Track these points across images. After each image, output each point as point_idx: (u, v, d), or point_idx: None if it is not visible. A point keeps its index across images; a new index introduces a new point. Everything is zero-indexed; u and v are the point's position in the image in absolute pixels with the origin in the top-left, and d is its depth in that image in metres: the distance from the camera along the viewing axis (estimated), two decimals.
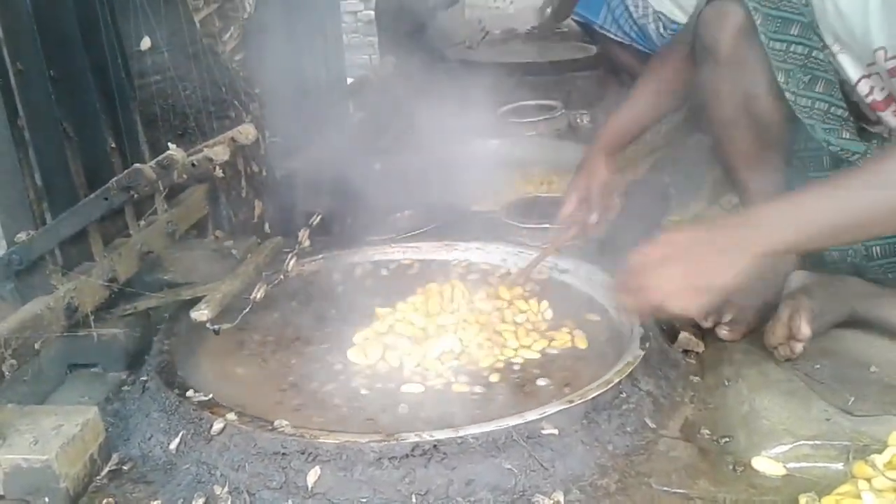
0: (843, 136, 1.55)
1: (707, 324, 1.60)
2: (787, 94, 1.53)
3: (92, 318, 1.52)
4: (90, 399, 1.54)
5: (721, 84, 1.60)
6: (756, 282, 1.61)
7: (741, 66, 1.57)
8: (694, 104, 1.77)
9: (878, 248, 1.56)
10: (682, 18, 2.78)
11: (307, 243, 1.71)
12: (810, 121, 1.54)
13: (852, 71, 1.52)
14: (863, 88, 1.53)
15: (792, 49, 1.52)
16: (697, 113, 1.75)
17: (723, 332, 1.59)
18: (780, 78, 1.53)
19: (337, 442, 1.26)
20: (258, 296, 1.52)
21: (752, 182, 1.66)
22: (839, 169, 1.58)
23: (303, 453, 1.26)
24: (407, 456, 1.24)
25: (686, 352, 1.59)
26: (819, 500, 1.15)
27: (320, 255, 1.93)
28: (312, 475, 1.24)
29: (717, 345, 1.59)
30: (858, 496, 1.13)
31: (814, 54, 1.52)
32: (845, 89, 1.55)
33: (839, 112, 1.55)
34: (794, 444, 1.30)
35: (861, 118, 1.59)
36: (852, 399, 1.36)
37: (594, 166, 1.79)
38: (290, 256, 1.64)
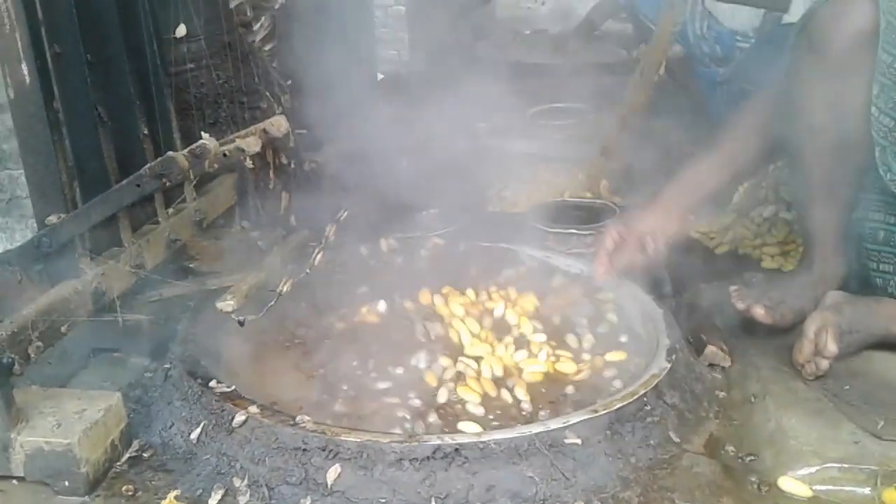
0: None
1: (742, 305, 1.59)
2: (873, 109, 1.49)
3: (118, 303, 1.52)
4: (112, 384, 1.54)
5: (820, 87, 1.55)
6: (799, 284, 1.60)
7: (846, 70, 1.51)
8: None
9: None
10: (730, 24, 2.76)
11: (333, 238, 1.70)
12: (884, 142, 1.50)
13: None
14: None
15: None
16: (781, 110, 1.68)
17: (758, 310, 1.58)
18: (875, 90, 1.48)
19: (358, 440, 1.25)
20: (284, 289, 1.51)
21: (821, 196, 1.63)
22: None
23: (323, 450, 1.26)
24: (428, 458, 1.23)
25: (712, 366, 1.57)
26: None
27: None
28: (332, 473, 1.24)
29: (744, 360, 1.57)
30: None
31: None
32: None
33: None
34: (822, 465, 1.28)
35: None
36: (882, 423, 1.34)
37: (643, 219, 1.74)
38: (316, 251, 1.63)
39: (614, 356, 1.56)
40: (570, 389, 1.49)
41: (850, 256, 1.68)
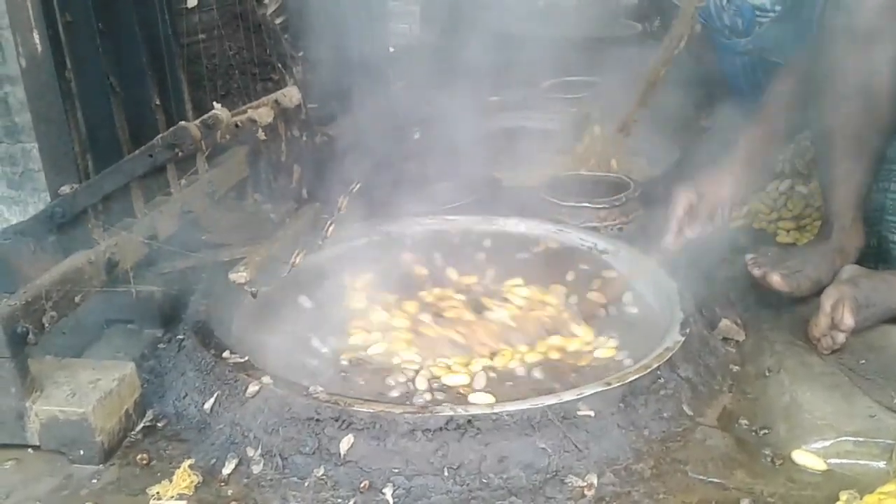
0: None
1: (758, 272, 1.59)
2: None
3: (131, 274, 1.52)
4: (126, 355, 1.54)
5: (848, 56, 1.54)
6: (816, 255, 1.59)
7: (875, 39, 1.50)
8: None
9: None
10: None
11: (345, 211, 1.70)
12: None
13: None
14: None
15: None
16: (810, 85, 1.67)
17: (775, 277, 1.57)
18: None
19: (371, 411, 1.25)
20: (297, 261, 1.51)
21: (844, 167, 1.62)
22: None
23: (336, 420, 1.26)
24: (441, 429, 1.23)
25: (726, 340, 1.56)
26: (861, 498, 1.12)
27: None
28: (345, 443, 1.24)
29: (758, 334, 1.56)
30: None
31: None
32: None
33: None
34: (837, 439, 1.27)
35: None
36: None
37: (717, 180, 1.73)
38: (328, 223, 1.63)
39: (604, 352, 1.54)
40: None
41: (869, 228, 1.66)
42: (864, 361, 1.43)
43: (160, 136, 1.39)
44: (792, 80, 1.74)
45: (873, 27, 1.49)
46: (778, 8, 2.38)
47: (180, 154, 1.40)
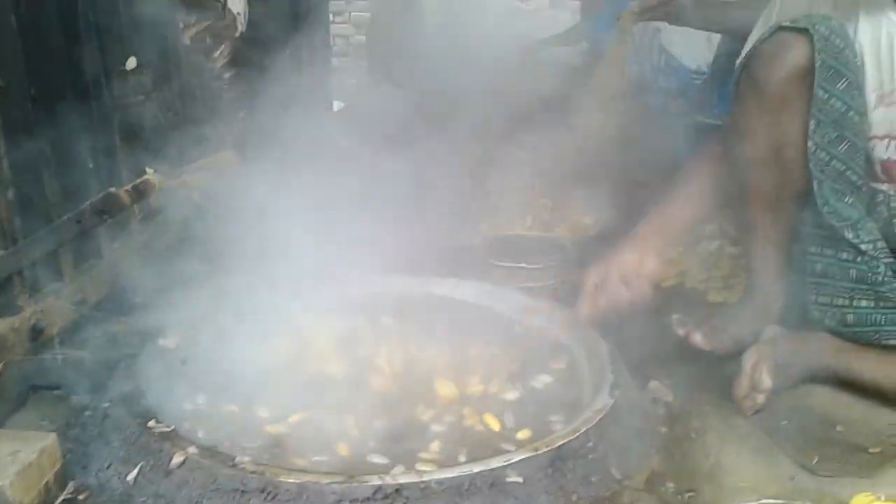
0: (846, 200, 1.54)
1: (682, 331, 1.63)
2: (810, 143, 1.53)
3: (58, 340, 1.50)
4: (51, 423, 1.51)
5: (760, 121, 1.59)
6: (740, 314, 1.63)
7: (785, 106, 1.55)
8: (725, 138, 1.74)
9: (851, 315, 1.57)
10: (685, 62, 2.81)
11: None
12: (821, 176, 1.54)
13: (878, 128, 1.54)
14: (881, 148, 1.55)
15: (831, 103, 1.51)
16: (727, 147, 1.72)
17: (697, 336, 1.62)
18: (812, 125, 1.53)
19: (298, 482, 1.24)
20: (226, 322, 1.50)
21: (763, 229, 1.67)
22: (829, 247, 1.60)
23: (262, 491, 1.24)
24: (368, 499, 1.23)
25: (655, 400, 1.59)
26: None
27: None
28: None
29: (686, 395, 1.59)
30: None
31: (850, 114, 1.52)
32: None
33: (853, 178, 1.54)
34: (758, 501, 1.29)
35: (870, 175, 1.60)
36: (817, 459, 1.37)
37: (621, 257, 1.74)
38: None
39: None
40: None
41: (790, 289, 1.71)
42: (785, 422, 1.47)
43: (89, 202, 1.39)
44: (717, 143, 1.80)
45: (782, 95, 1.54)
46: (705, 70, 2.48)
47: (108, 219, 1.39)
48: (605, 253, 1.78)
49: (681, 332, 1.66)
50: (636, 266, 1.71)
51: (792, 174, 1.60)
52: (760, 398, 1.46)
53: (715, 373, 1.64)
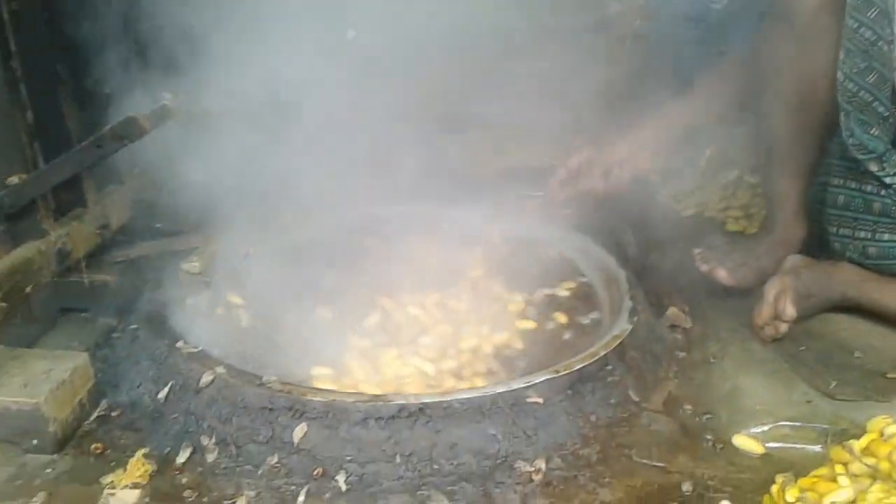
0: (872, 132, 1.52)
1: (705, 267, 1.63)
2: (839, 74, 1.51)
3: (84, 263, 1.52)
4: (80, 344, 1.54)
5: (789, 51, 1.57)
6: (760, 246, 1.63)
7: (815, 35, 1.53)
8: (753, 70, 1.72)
9: (873, 248, 1.56)
10: None
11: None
12: (848, 107, 1.52)
13: None
14: None
15: (861, 31, 1.47)
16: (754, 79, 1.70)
17: (721, 272, 1.62)
18: (840, 55, 1.50)
19: (324, 400, 1.27)
20: (251, 251, 1.52)
21: (786, 160, 1.66)
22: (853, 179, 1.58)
23: (290, 409, 1.27)
24: (393, 417, 1.26)
25: (673, 327, 1.61)
26: (796, 482, 1.17)
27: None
28: (299, 431, 1.25)
29: (704, 322, 1.61)
30: (835, 479, 1.15)
31: (879, 44, 1.48)
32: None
33: (880, 109, 1.51)
34: (775, 424, 1.32)
35: None
36: (834, 383, 1.38)
37: (616, 147, 1.74)
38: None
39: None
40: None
41: (811, 220, 1.71)
42: (803, 349, 1.48)
43: (109, 127, 1.38)
44: (729, 70, 1.77)
45: (812, 25, 1.52)
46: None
47: (128, 144, 1.39)
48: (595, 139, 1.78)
49: (704, 267, 1.66)
50: (620, 159, 1.71)
51: (818, 105, 1.58)
52: (783, 327, 1.48)
53: (733, 301, 1.65)
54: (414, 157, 2.09)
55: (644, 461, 1.28)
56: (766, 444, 1.30)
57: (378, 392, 1.33)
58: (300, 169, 1.76)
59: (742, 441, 1.30)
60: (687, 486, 1.22)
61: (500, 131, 2.46)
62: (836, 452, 1.22)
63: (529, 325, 1.58)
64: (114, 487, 1.22)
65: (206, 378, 1.34)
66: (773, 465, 1.26)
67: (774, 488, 1.18)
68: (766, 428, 1.32)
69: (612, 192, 1.73)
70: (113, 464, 1.27)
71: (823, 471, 1.19)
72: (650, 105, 1.94)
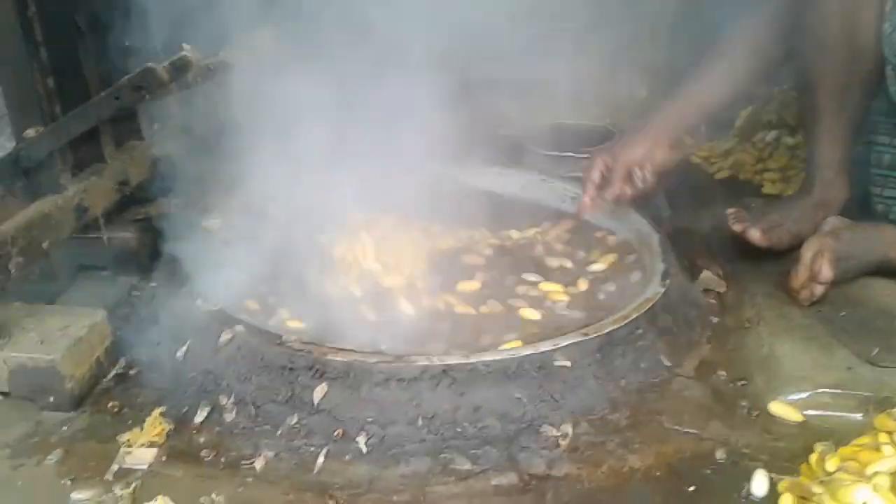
0: None
1: (738, 227, 1.57)
2: (886, 25, 1.44)
3: (103, 220, 1.49)
4: (100, 302, 1.52)
5: (833, 3, 1.50)
6: (798, 207, 1.57)
7: None
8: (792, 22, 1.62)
9: None
10: None
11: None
12: (895, 60, 1.45)
13: None
14: None
15: None
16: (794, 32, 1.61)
17: (755, 233, 1.55)
18: (888, 6, 1.43)
19: (345, 360, 1.24)
20: (272, 208, 1.48)
21: (828, 117, 1.58)
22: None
23: (310, 369, 1.24)
24: (415, 378, 1.22)
25: (707, 291, 1.55)
26: (836, 451, 1.12)
27: None
28: (319, 391, 1.22)
29: (739, 286, 1.55)
30: (878, 449, 1.10)
31: None
32: None
33: None
34: (814, 391, 1.26)
35: None
36: (877, 349, 1.32)
37: (629, 149, 1.66)
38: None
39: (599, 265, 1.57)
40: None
41: (852, 181, 1.64)
42: (843, 314, 1.42)
43: (126, 77, 1.34)
44: (754, 28, 1.68)
45: None
46: None
47: (147, 96, 1.35)
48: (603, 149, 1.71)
49: (737, 228, 1.60)
50: (642, 159, 1.63)
51: (863, 59, 1.51)
52: (819, 289, 1.41)
53: (769, 265, 1.59)
54: (449, 116, 2.05)
55: (676, 427, 1.23)
56: (805, 412, 1.25)
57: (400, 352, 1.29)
58: (327, 124, 1.72)
59: (779, 408, 1.25)
60: (720, 454, 1.17)
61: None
62: (881, 420, 1.16)
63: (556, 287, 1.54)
64: (130, 446, 1.19)
65: (225, 337, 1.31)
66: (811, 434, 1.21)
67: (813, 457, 1.13)
68: (804, 395, 1.26)
69: (642, 194, 1.66)
70: (130, 422, 1.25)
71: (866, 439, 1.14)
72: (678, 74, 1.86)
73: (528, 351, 1.26)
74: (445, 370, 1.22)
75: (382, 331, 1.38)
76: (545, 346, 1.27)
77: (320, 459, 1.18)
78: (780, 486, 1.08)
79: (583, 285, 1.54)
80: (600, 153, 1.69)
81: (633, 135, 1.69)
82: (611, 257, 1.62)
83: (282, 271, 1.49)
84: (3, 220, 1.31)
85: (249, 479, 1.16)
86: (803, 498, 1.05)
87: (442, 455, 1.18)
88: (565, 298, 1.50)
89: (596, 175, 1.66)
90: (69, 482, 1.14)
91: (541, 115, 2.30)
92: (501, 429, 1.21)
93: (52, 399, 1.26)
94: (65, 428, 1.24)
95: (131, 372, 1.36)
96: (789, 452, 1.18)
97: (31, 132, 1.37)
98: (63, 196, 1.39)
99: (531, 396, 1.23)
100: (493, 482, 1.15)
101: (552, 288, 1.53)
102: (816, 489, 1.03)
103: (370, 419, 1.21)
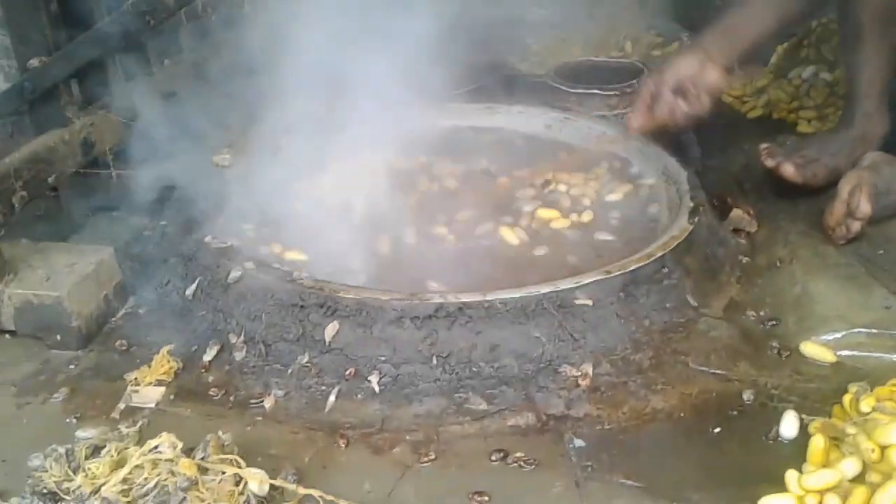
0: None
1: (771, 162, 1.50)
2: None
3: (110, 157, 1.45)
4: (111, 242, 1.48)
5: None
6: (836, 142, 1.49)
7: None
8: None
9: None
10: None
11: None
12: None
13: None
14: None
15: None
16: None
17: (788, 167, 1.48)
18: None
19: (357, 297, 1.19)
20: (283, 143, 1.43)
21: (870, 48, 1.49)
22: None
23: (321, 307, 1.20)
24: (430, 317, 1.17)
25: (737, 230, 1.48)
26: (871, 391, 1.06)
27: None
28: (330, 329, 1.18)
29: (772, 225, 1.48)
30: None
31: None
32: None
33: None
34: (848, 331, 1.20)
35: None
36: None
37: (681, 64, 1.57)
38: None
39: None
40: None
41: (894, 115, 1.54)
42: (881, 252, 1.35)
43: (131, 1, 1.29)
44: None
45: None
46: None
47: (152, 23, 1.30)
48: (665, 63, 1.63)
49: (769, 162, 1.52)
50: (695, 76, 1.54)
51: None
52: (856, 225, 1.34)
53: (804, 203, 1.51)
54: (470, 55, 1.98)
55: (701, 368, 1.18)
56: (838, 352, 1.19)
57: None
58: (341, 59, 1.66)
59: (811, 349, 1.19)
60: (748, 395, 1.12)
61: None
62: None
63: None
64: (137, 384, 1.17)
65: (235, 274, 1.27)
66: (845, 374, 1.15)
67: (846, 398, 1.07)
68: (838, 335, 1.20)
69: (693, 112, 1.57)
70: (138, 361, 1.22)
71: None
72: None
73: (546, 289, 1.21)
74: (461, 308, 1.18)
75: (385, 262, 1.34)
76: (565, 284, 1.22)
77: (331, 399, 1.15)
78: (811, 427, 1.03)
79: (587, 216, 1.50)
80: (651, 76, 1.61)
81: (683, 54, 1.60)
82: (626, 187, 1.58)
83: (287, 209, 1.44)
84: (7, 154, 1.28)
85: (259, 418, 1.13)
86: (835, 439, 1.00)
87: (457, 395, 1.15)
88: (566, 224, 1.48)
89: (646, 95, 1.58)
90: (75, 420, 1.12)
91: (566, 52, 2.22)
92: (519, 368, 1.16)
93: (58, 337, 1.23)
94: (72, 366, 1.22)
95: (140, 311, 1.33)
96: (821, 394, 1.12)
97: (34, 62, 1.32)
98: (69, 130, 1.36)
99: (550, 335, 1.18)
100: (510, 422, 1.11)
101: (551, 215, 1.49)
102: (850, 430, 0.98)
103: (383, 358, 1.17)
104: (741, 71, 1.83)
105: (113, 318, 1.31)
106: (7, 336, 1.27)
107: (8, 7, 1.34)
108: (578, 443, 1.07)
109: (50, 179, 1.30)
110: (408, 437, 1.09)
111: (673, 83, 1.54)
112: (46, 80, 1.30)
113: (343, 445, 1.07)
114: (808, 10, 1.67)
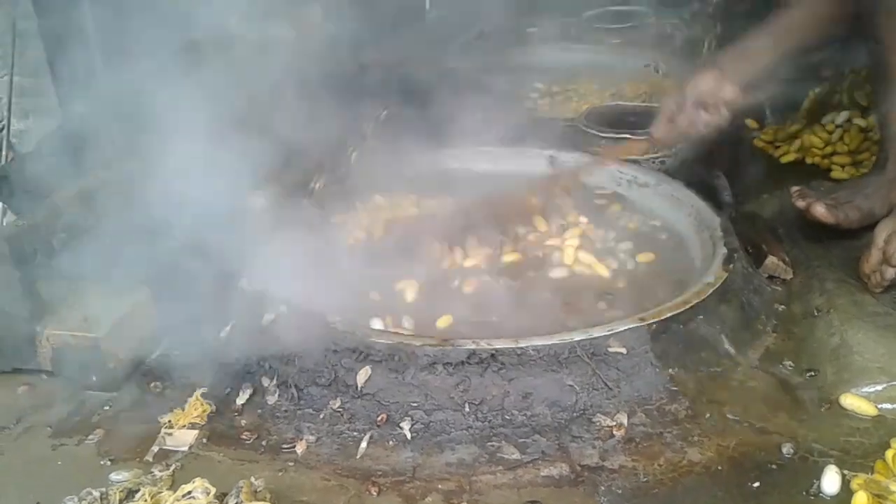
0: None
1: (802, 203, 1.49)
2: None
3: None
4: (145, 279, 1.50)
5: None
6: (870, 185, 1.49)
7: None
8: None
9: None
10: None
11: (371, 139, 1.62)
12: None
13: None
14: None
15: None
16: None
17: (819, 208, 1.47)
18: None
19: (389, 343, 1.19)
20: (317, 186, 1.44)
21: None
22: None
23: (354, 351, 1.20)
24: (462, 363, 1.17)
25: (772, 278, 1.47)
26: None
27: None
28: (363, 375, 1.18)
29: (807, 272, 1.46)
30: None
31: None
32: None
33: None
34: (889, 383, 1.18)
35: None
36: None
37: (699, 79, 1.60)
38: (352, 149, 1.56)
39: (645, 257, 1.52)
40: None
41: None
42: None
43: None
44: None
45: None
46: None
47: None
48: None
49: (800, 203, 1.51)
50: (714, 90, 1.55)
51: None
52: (891, 272, 1.32)
53: (839, 249, 1.49)
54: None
55: (738, 419, 1.16)
56: (879, 405, 1.16)
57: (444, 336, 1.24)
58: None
59: (852, 401, 1.17)
60: (787, 449, 1.10)
61: None
62: None
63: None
64: (171, 427, 1.17)
65: (269, 317, 1.28)
66: (886, 428, 1.13)
67: (889, 453, 1.05)
68: (879, 387, 1.18)
69: (713, 124, 1.58)
70: (171, 403, 1.23)
71: None
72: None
73: (580, 336, 1.20)
74: (494, 354, 1.17)
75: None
76: (599, 332, 1.21)
77: (363, 445, 1.14)
78: (854, 484, 1.01)
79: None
80: (675, 88, 1.63)
81: (701, 70, 1.61)
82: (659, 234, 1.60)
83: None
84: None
85: (290, 464, 1.12)
86: (879, 496, 0.98)
87: (489, 443, 1.14)
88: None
89: (669, 105, 1.60)
90: (109, 462, 1.12)
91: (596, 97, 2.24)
92: (552, 417, 1.15)
93: (94, 378, 1.25)
94: (106, 407, 1.23)
95: (175, 352, 1.34)
96: (863, 448, 1.10)
97: None
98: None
99: (584, 384, 1.17)
100: (543, 473, 1.09)
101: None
102: (894, 486, 0.95)
103: (415, 404, 1.17)
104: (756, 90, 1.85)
105: (147, 360, 1.32)
106: (44, 376, 1.28)
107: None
108: (614, 496, 1.05)
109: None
110: (440, 486, 1.08)
111: (692, 98, 1.56)
112: None
113: (375, 493, 1.07)
114: (822, 41, 1.68)
